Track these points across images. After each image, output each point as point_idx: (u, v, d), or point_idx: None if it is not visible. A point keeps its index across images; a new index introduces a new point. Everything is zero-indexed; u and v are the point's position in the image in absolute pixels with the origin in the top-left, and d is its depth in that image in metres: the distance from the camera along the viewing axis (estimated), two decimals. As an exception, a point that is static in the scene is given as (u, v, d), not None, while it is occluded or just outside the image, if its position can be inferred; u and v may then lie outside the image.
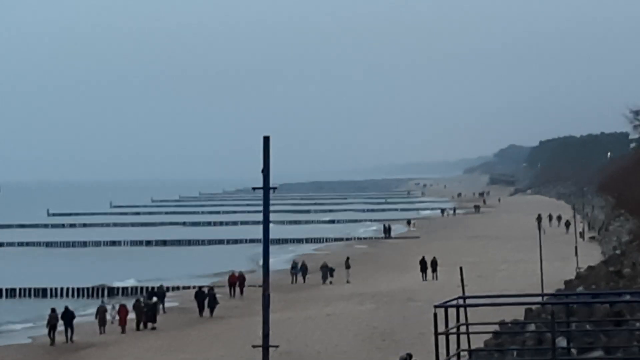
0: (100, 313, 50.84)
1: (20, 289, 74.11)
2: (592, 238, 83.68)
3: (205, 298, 57.55)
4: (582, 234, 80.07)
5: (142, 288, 67.14)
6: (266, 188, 15.93)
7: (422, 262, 67.08)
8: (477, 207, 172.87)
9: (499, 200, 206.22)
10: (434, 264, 66.90)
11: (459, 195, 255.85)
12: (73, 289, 72.27)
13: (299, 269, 73.20)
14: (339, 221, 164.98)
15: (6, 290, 73.99)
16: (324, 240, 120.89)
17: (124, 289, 71.50)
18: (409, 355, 27.08)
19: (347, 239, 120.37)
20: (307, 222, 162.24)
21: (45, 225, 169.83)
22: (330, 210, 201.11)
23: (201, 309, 57.46)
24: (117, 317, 51.51)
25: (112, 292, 70.14)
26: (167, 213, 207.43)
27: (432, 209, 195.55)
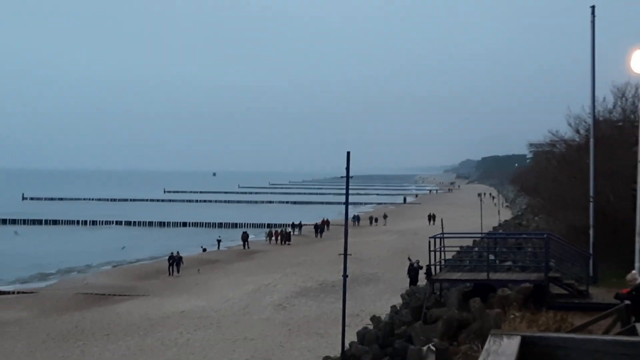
0: (268, 234, 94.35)
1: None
2: (507, 206, 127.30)
3: (319, 228, 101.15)
4: (502, 204, 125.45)
5: (287, 224, 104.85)
6: (347, 177, 25.72)
7: (430, 215, 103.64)
8: (450, 190, 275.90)
9: (459, 186, 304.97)
10: (434, 216, 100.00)
11: (440, 183, 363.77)
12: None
13: (356, 218, 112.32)
14: (378, 194, 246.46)
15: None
16: (372, 204, 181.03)
17: (277, 224, 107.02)
18: (417, 261, 43.09)
19: (384, 204, 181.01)
20: (363, 194, 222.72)
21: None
22: (375, 189, 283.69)
23: (317, 233, 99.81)
24: (272, 238, 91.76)
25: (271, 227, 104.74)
26: (281, 193, 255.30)
27: (427, 189, 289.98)
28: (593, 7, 30.53)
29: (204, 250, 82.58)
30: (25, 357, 36.05)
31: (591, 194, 30.14)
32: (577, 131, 44.16)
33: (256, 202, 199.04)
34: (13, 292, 57.23)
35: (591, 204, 30.04)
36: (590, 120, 33.41)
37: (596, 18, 30.72)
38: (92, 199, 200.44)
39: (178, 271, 62.96)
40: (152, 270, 63.34)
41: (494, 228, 69.94)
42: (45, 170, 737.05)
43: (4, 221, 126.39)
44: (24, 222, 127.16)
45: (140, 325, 42.51)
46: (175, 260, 63.86)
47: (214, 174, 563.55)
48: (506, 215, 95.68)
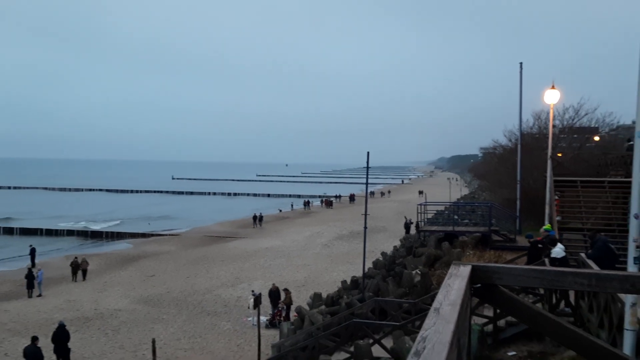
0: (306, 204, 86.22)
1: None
2: (466, 186, 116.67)
3: (351, 197, 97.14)
4: (463, 185, 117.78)
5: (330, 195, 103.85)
6: (367, 168, 29.28)
7: (419, 191, 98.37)
8: (430, 175, 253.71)
9: (436, 174, 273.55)
10: (421, 191, 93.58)
11: (425, 171, 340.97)
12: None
13: (372, 193, 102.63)
14: (385, 178, 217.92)
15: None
16: (381, 184, 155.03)
17: (325, 195, 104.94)
18: (410, 219, 42.66)
19: (389, 184, 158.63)
20: (375, 177, 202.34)
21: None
22: (384, 175, 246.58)
23: (350, 201, 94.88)
24: (323, 204, 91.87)
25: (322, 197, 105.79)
26: (326, 176, 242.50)
27: (416, 175, 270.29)
28: (521, 63, 31.71)
29: (280, 211, 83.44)
30: (174, 272, 36.81)
31: (518, 179, 31.10)
32: (510, 140, 46.50)
33: (312, 182, 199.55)
34: (166, 234, 58.34)
35: (518, 185, 31.13)
36: (518, 133, 34.46)
37: (523, 69, 31.37)
38: (226, 180, 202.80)
39: (260, 225, 63.31)
40: (248, 223, 63.96)
41: (458, 199, 69.41)
42: (191, 162, 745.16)
43: (160, 192, 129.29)
44: (183, 193, 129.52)
45: (242, 255, 43.11)
46: (258, 217, 64.34)
47: (287, 165, 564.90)
48: (465, 192, 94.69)
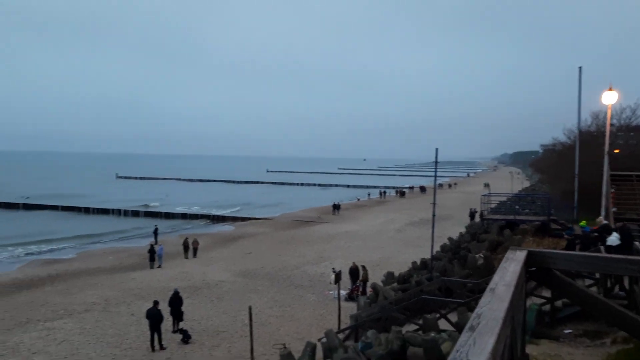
0: (381, 194, 71.02)
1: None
2: (527, 180, 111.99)
3: (422, 188, 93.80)
4: (524, 178, 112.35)
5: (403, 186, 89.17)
6: (435, 163, 29.00)
7: (484, 183, 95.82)
8: (494, 170, 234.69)
9: (498, 168, 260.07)
10: (486, 184, 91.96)
11: (489, 165, 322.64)
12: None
13: (440, 185, 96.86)
14: (453, 171, 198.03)
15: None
16: (448, 177, 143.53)
17: (398, 186, 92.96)
18: (474, 208, 41.22)
19: (455, 177, 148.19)
20: (443, 171, 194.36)
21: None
22: (452, 170, 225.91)
23: (422, 191, 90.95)
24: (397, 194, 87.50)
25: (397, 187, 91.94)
26: (399, 169, 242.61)
27: (481, 169, 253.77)
28: (580, 67, 29.76)
29: (358, 199, 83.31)
30: (267, 251, 37.62)
31: (576, 172, 29.21)
32: (569, 137, 43.67)
33: (387, 174, 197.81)
34: (261, 219, 59.71)
35: (575, 179, 29.23)
36: (576, 131, 32.34)
37: (582, 71, 29.50)
38: (312, 172, 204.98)
39: (338, 212, 63.44)
40: (329, 210, 64.33)
41: (519, 191, 66.67)
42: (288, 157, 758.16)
43: (253, 183, 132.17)
44: (276, 183, 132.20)
45: (324, 238, 43.45)
46: (336, 206, 64.54)
47: (364, 160, 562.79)
48: (526, 184, 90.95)
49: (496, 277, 2.96)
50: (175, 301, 19.09)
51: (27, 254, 39.27)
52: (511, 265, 3.37)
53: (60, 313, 21.92)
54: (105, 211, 65.85)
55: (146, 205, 70.55)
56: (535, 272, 4.12)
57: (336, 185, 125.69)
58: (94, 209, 67.07)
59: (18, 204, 70.81)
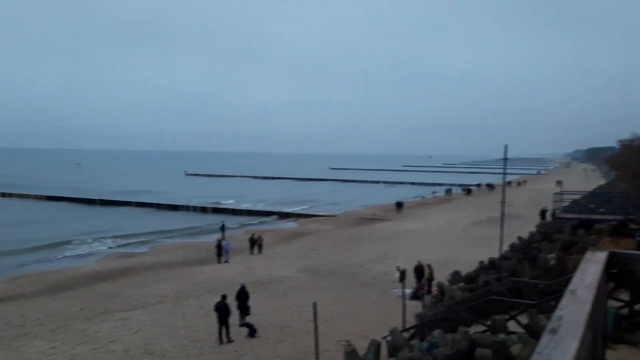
0: (447, 192, 67.64)
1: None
2: (602, 177, 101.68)
3: (489, 186, 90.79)
4: (599, 176, 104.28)
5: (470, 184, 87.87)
6: (505, 160, 28.13)
7: (558, 181, 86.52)
8: (567, 166, 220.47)
9: (571, 164, 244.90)
10: (560, 181, 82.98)
11: (561, 162, 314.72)
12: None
13: (509, 182, 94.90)
14: (522, 168, 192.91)
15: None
16: (517, 174, 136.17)
17: (464, 184, 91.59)
18: (545, 207, 39.59)
19: (524, 174, 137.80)
20: (512, 168, 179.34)
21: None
22: (521, 167, 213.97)
23: (490, 188, 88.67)
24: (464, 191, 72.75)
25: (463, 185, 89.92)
26: (466, 167, 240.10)
27: (553, 166, 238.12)
28: None
29: (423, 197, 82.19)
30: (330, 248, 37.82)
31: None
32: None
33: (453, 172, 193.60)
34: (325, 216, 60.02)
35: None
36: None
37: None
38: (375, 169, 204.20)
39: (401, 210, 62.59)
40: (393, 207, 63.74)
41: (594, 189, 63.13)
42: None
43: (315, 180, 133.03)
44: (339, 180, 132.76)
45: (388, 236, 43.16)
46: (399, 204, 63.80)
47: (429, 157, 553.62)
48: (601, 182, 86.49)
49: (576, 279, 2.84)
50: (242, 295, 19.56)
51: (108, 248, 41.43)
52: (591, 267, 3.22)
53: (135, 304, 23.00)
54: (174, 207, 68.38)
55: (218, 202, 72.44)
56: (616, 273, 3.93)
57: (400, 183, 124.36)
58: (164, 205, 69.84)
59: (96, 200, 74.84)
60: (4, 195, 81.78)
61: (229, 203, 72.75)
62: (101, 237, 44.92)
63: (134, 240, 44.14)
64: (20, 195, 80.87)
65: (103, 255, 37.94)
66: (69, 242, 42.49)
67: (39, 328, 19.72)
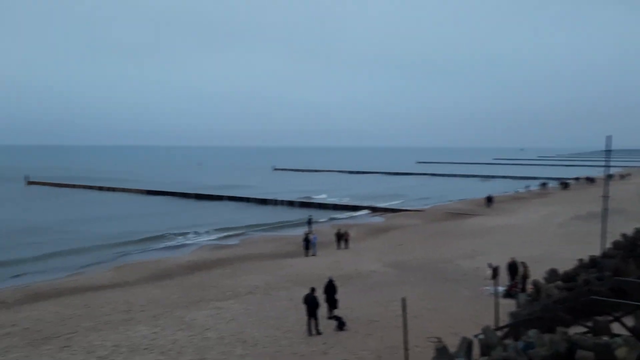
0: (542, 186, 64.30)
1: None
2: None
3: (589, 179, 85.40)
4: None
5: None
6: (608, 151, 26.45)
7: None
8: None
9: None
10: None
11: None
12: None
13: (611, 175, 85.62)
14: (626, 161, 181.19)
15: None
16: (620, 167, 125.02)
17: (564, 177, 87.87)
18: None
19: (628, 167, 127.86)
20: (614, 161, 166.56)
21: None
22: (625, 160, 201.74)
23: (590, 182, 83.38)
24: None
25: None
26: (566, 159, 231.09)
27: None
28: None
29: (516, 191, 78.99)
30: (418, 242, 37.29)
31: None
32: None
33: (548, 165, 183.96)
34: (412, 210, 59.32)
35: None
36: None
37: None
38: (463, 163, 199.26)
39: (491, 205, 60.23)
40: (482, 202, 61.64)
41: None
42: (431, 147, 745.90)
43: (403, 175, 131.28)
44: (426, 174, 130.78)
45: (478, 231, 41.90)
46: (489, 199, 61.46)
47: (522, 149, 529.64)
48: None
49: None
50: (330, 289, 19.82)
51: (202, 240, 43.55)
52: None
53: (228, 294, 24.02)
54: (263, 201, 70.45)
55: (309, 197, 73.62)
56: None
57: (491, 177, 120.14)
58: (254, 199, 72.16)
59: (190, 194, 78.82)
60: (109, 189, 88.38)
61: (320, 198, 73.75)
62: (195, 230, 47.19)
63: (225, 234, 45.96)
64: (123, 190, 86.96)
65: (197, 247, 39.89)
66: (165, 235, 45.04)
67: (142, 314, 21.14)
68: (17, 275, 31.45)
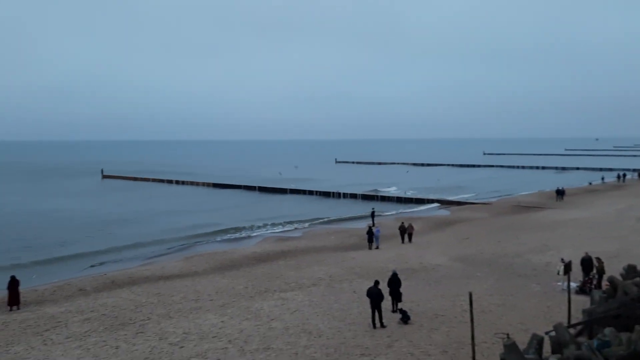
0: (619, 177, 61.35)
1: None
2: None
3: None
4: None
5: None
6: None
7: None
8: None
9: None
10: None
11: None
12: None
13: None
14: None
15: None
16: None
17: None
18: None
19: None
20: None
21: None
22: None
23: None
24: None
25: None
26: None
27: None
28: None
29: (590, 184, 75.22)
30: (485, 236, 36.36)
31: None
32: None
33: (626, 155, 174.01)
34: (478, 203, 57.86)
35: None
36: None
37: None
38: (533, 154, 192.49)
39: (562, 198, 57.64)
40: (553, 195, 59.12)
41: None
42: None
43: (470, 167, 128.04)
44: (494, 166, 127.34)
45: (549, 225, 40.34)
46: (560, 192, 58.72)
47: (597, 139, 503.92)
48: None
49: None
50: (394, 282, 19.71)
51: (266, 231, 44.45)
52: None
53: (292, 285, 24.41)
54: (326, 194, 70.84)
55: (376, 190, 73.25)
56: None
57: (562, 168, 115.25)
58: (316, 192, 72.69)
59: (254, 187, 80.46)
60: (177, 182, 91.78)
61: (387, 190, 73.31)
62: (263, 223, 48.12)
63: (289, 227, 46.57)
64: (191, 183, 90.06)
65: (262, 239, 40.70)
66: (231, 227, 46.18)
67: (210, 303, 21.87)
68: (95, 265, 33.32)
